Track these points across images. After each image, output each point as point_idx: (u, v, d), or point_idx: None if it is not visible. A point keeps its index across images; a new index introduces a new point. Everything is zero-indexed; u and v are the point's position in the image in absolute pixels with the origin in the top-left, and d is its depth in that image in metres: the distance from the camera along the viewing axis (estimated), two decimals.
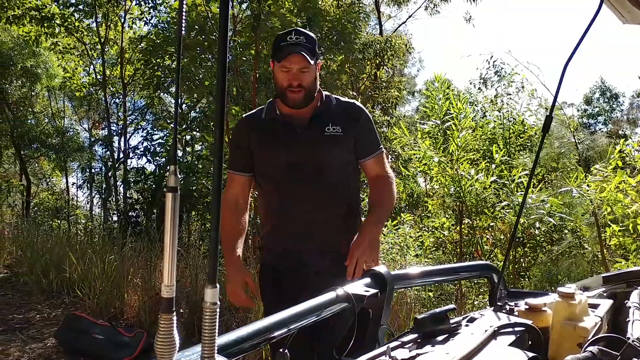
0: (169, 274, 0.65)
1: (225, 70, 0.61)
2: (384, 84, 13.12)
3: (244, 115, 2.56)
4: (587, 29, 1.31)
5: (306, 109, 2.26)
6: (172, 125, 10.37)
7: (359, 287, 1.29)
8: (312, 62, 2.18)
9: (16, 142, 11.52)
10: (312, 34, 2.26)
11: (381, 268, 1.35)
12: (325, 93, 2.36)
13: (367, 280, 1.33)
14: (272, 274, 2.31)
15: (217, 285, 0.67)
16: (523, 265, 5.40)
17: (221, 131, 0.61)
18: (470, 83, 11.45)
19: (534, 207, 4.66)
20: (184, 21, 0.63)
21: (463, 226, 5.28)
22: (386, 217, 2.40)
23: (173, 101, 12.47)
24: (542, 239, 5.29)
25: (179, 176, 0.64)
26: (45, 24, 9.63)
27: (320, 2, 7.86)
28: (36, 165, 16.07)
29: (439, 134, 5.74)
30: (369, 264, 1.99)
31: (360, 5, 10.97)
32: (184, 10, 0.63)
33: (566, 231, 5.23)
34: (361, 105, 2.39)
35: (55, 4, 9.83)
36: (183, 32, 0.64)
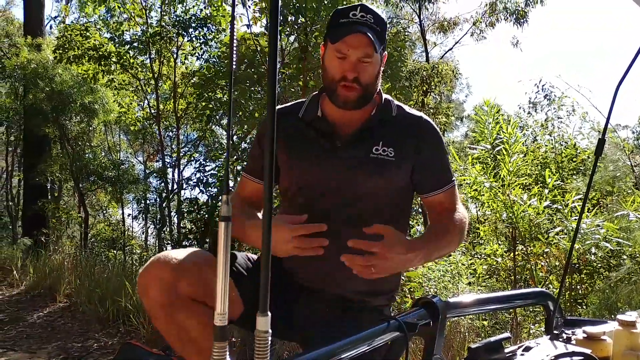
0: (221, 302, 0.67)
1: (274, 100, 0.63)
2: (432, 110, 13.07)
3: (277, 108, 2.07)
4: None
5: (358, 113, 1.69)
6: (224, 156, 10.56)
7: (411, 316, 1.27)
8: (378, 50, 1.58)
9: (75, 175, 11.94)
10: (383, 16, 1.64)
11: (433, 297, 1.34)
12: (386, 97, 1.79)
13: (419, 309, 1.32)
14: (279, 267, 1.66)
15: (269, 313, 0.68)
16: (579, 292, 5.22)
17: (271, 161, 0.63)
18: (520, 107, 11.30)
19: (589, 232, 4.52)
20: (234, 55, 0.66)
21: (517, 252, 5.16)
22: (439, 254, 1.75)
23: (224, 133, 12.72)
24: (599, 265, 5.11)
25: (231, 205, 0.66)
26: (103, 62, 10.06)
27: None
28: (93, 197, 16.58)
29: (490, 159, 5.65)
30: (374, 271, 1.45)
31: (406, 33, 11.02)
32: (234, 45, 0.66)
33: (624, 257, 5.03)
34: (431, 122, 1.78)
35: (112, 42, 10.26)
36: (234, 66, 0.66)
